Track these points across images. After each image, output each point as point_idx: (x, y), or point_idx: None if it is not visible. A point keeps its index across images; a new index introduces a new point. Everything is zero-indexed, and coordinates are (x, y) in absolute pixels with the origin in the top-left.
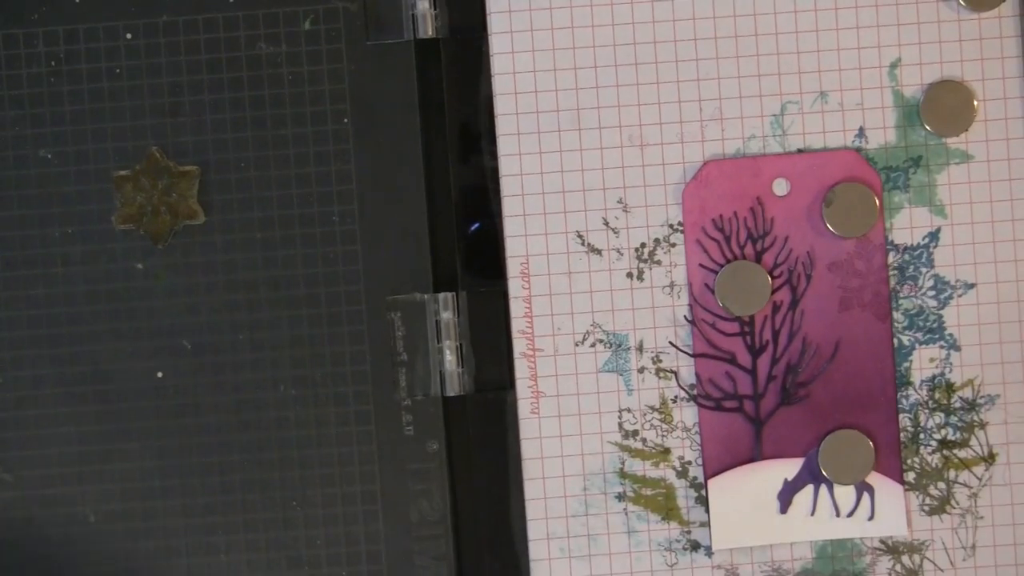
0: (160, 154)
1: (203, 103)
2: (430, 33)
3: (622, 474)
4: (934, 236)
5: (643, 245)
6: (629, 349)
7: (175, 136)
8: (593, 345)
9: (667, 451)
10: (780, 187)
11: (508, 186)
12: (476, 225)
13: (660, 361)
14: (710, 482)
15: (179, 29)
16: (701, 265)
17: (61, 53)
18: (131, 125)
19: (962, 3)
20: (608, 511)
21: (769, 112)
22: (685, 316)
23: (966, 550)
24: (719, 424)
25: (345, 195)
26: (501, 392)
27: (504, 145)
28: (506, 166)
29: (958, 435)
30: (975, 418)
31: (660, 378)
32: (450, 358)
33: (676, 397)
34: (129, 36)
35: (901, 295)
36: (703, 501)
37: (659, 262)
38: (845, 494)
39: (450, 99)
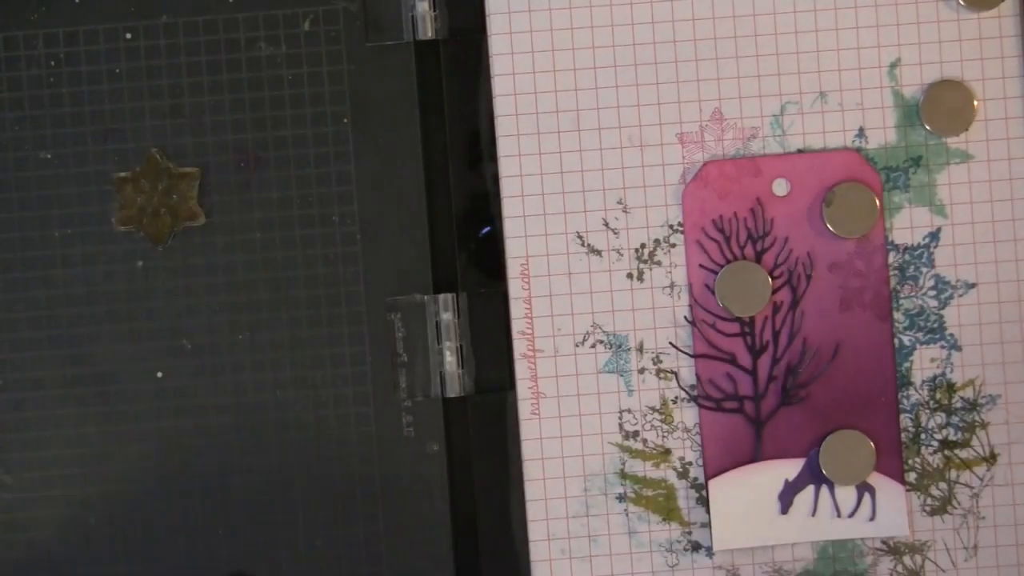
0: (160, 156)
1: (203, 104)
2: (430, 34)
3: (623, 475)
4: (934, 236)
5: (643, 246)
6: (629, 350)
7: (175, 138)
8: (593, 346)
9: (668, 452)
10: (780, 187)
11: (508, 187)
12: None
13: (660, 362)
14: (711, 483)
15: (179, 31)
16: (701, 266)
17: (61, 55)
18: (131, 127)
19: (962, 3)
20: (609, 512)
21: (769, 112)
22: (685, 317)
23: (968, 550)
24: (720, 425)
25: (345, 196)
26: (501, 393)
27: (504, 146)
28: (506, 167)
29: (959, 435)
30: (976, 418)
31: (660, 379)
32: (450, 359)
33: (676, 398)
34: (129, 37)
35: (902, 295)
36: (704, 502)
37: (659, 263)
38: (846, 494)
39: (450, 100)
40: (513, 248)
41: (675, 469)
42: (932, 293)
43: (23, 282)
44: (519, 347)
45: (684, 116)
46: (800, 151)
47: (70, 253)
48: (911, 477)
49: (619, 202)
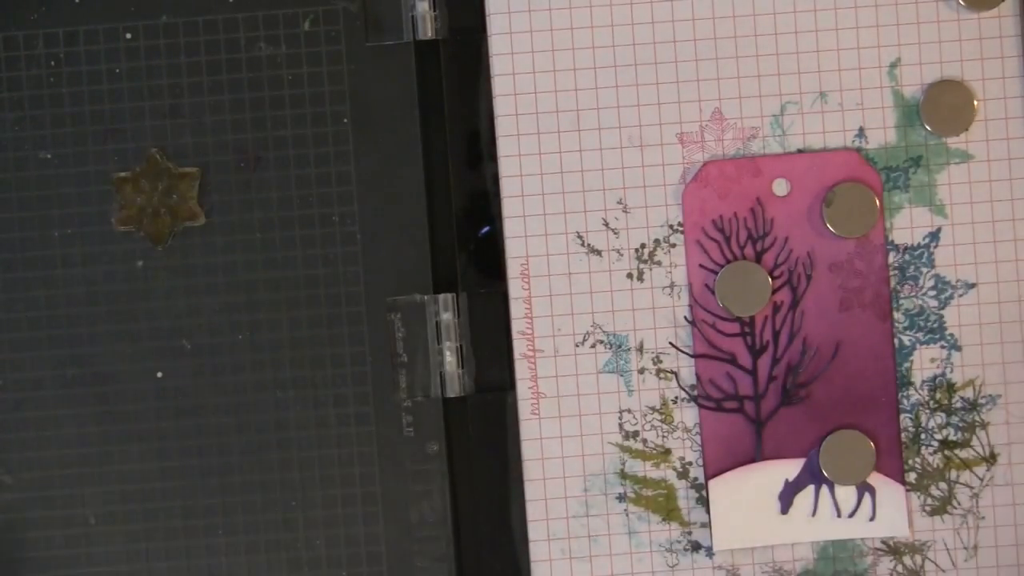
0: (160, 156)
1: (203, 104)
2: (430, 34)
3: (623, 475)
4: (934, 236)
5: (643, 246)
6: (629, 350)
7: (175, 138)
8: (593, 346)
9: (668, 452)
10: (780, 187)
11: (508, 187)
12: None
13: (660, 362)
14: (711, 483)
15: (179, 30)
16: (701, 266)
17: (61, 54)
18: (131, 127)
19: (962, 3)
20: (609, 512)
21: (769, 112)
22: (685, 317)
23: (968, 550)
24: (720, 425)
25: (345, 196)
26: (501, 393)
27: (504, 146)
28: (506, 167)
29: (959, 435)
30: (976, 418)
31: (660, 379)
32: (450, 359)
33: (676, 398)
34: (129, 37)
35: (902, 295)
36: (704, 502)
37: (659, 263)
38: (846, 494)
39: (450, 100)
40: (513, 248)
41: (675, 469)
42: (932, 293)
43: (23, 282)
44: (519, 347)
45: (684, 116)
46: (800, 151)
47: (70, 253)
48: (911, 477)
49: (619, 202)
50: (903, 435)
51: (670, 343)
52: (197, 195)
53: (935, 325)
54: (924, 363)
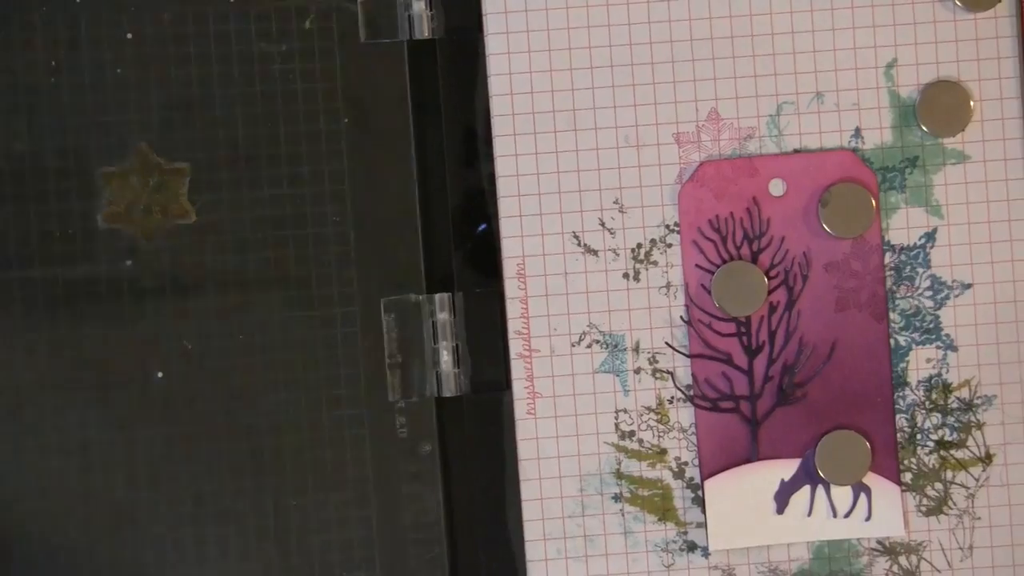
0: (150, 151)
1: (195, 100)
2: (426, 34)
3: (618, 475)
4: (930, 236)
5: (639, 246)
6: (625, 350)
7: (166, 133)
8: (589, 346)
9: (663, 452)
10: (776, 187)
11: (504, 187)
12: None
13: (656, 362)
14: (707, 483)
15: (172, 26)
16: (697, 266)
17: (55, 48)
18: (122, 121)
19: (958, 3)
20: (604, 512)
21: (765, 112)
22: (681, 317)
23: (963, 551)
24: (716, 425)
25: (339, 195)
26: (497, 393)
27: (500, 146)
28: (502, 167)
29: (955, 436)
30: (972, 419)
31: (656, 379)
32: (446, 359)
33: (672, 398)
34: (128, 36)
35: (898, 295)
36: (700, 502)
37: (655, 263)
38: (842, 495)
39: (446, 100)
40: (509, 248)
41: (671, 469)
42: (928, 294)
43: (15, 281)
44: (515, 347)
45: (680, 116)
46: (796, 151)
47: (59, 250)
48: (907, 477)
49: (615, 202)
50: (899, 435)
51: (666, 343)
52: (188, 192)
53: (931, 325)
54: (920, 363)
